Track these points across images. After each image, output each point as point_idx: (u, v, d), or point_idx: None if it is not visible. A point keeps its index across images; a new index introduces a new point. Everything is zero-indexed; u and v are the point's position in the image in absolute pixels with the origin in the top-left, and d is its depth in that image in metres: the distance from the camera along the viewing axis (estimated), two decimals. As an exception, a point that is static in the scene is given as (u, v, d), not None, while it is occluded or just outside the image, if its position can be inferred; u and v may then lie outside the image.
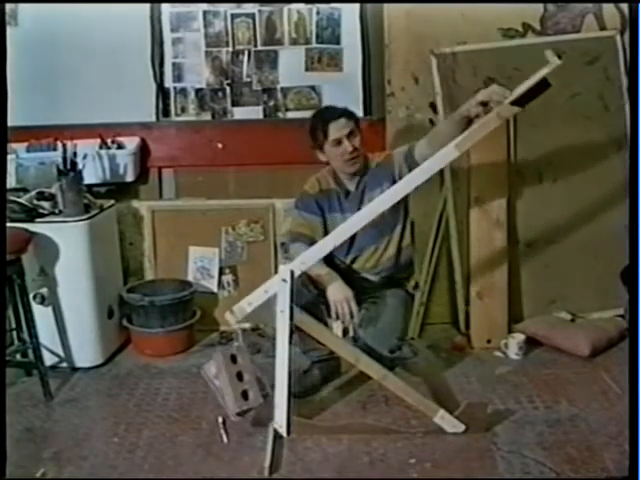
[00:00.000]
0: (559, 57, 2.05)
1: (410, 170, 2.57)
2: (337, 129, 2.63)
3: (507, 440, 2.40)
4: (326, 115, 2.68)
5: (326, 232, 2.74)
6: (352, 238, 2.69)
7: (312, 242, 2.67)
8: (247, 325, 3.37)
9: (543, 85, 2.10)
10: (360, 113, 3.29)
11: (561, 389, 2.76)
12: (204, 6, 3.26)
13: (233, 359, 2.41)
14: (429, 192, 3.16)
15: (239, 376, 2.40)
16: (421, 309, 3.30)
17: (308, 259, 2.39)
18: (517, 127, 3.18)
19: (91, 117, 3.26)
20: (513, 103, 2.16)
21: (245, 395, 2.39)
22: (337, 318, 2.55)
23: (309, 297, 2.58)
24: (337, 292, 2.53)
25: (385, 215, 2.64)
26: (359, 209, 2.70)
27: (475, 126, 2.28)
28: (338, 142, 2.63)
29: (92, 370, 3.03)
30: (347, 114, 2.67)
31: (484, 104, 2.28)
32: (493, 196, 3.16)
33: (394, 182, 2.65)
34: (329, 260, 2.68)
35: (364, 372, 2.52)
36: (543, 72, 2.09)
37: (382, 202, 2.38)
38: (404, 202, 2.76)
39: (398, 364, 2.86)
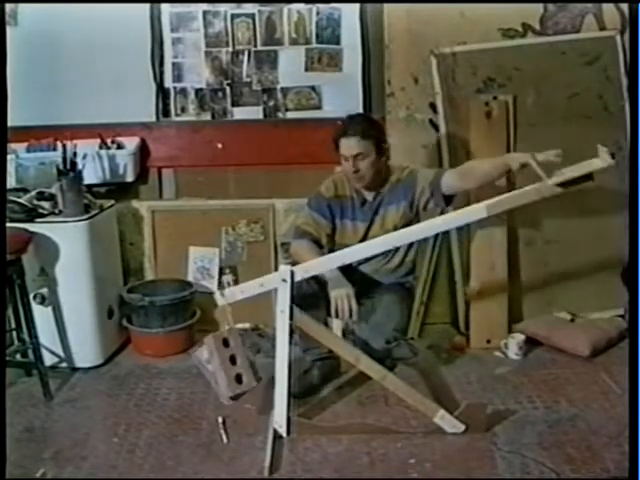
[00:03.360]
0: (612, 156, 2.08)
1: (432, 195, 2.64)
2: (346, 147, 2.60)
3: (507, 440, 2.40)
4: (343, 129, 2.61)
5: (333, 237, 2.75)
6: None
7: (316, 242, 2.68)
8: (247, 325, 3.37)
9: (588, 177, 2.17)
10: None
11: (561, 389, 2.76)
12: (204, 6, 3.25)
13: (225, 343, 2.36)
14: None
15: (232, 360, 2.36)
16: (421, 309, 3.30)
17: (313, 268, 2.41)
18: (517, 127, 3.18)
19: (91, 117, 3.26)
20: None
21: (239, 379, 2.35)
22: (336, 314, 2.55)
23: (309, 291, 2.57)
24: (338, 288, 2.53)
25: None
26: (372, 220, 2.72)
27: (512, 194, 2.33)
28: (346, 158, 2.62)
29: (92, 370, 3.03)
30: (364, 134, 2.57)
31: (524, 165, 2.31)
32: (493, 196, 3.14)
33: (412, 202, 2.69)
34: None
35: (364, 372, 2.52)
36: (593, 166, 2.12)
37: (399, 238, 2.47)
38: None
39: (398, 364, 2.86)
